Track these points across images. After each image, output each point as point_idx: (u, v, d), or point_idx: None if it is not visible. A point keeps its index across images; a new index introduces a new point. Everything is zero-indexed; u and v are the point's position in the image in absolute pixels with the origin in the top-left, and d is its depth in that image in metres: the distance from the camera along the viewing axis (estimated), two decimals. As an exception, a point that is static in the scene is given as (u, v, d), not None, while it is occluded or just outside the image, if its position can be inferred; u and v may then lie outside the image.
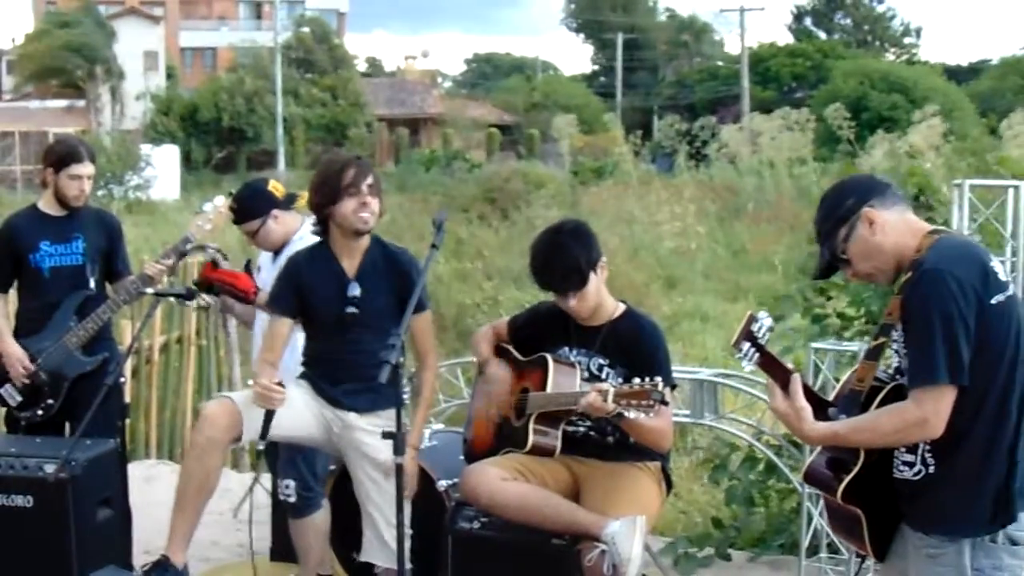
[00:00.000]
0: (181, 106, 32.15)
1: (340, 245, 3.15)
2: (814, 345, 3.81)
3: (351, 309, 3.10)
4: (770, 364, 2.26)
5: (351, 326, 3.11)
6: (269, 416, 3.00)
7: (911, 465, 2.22)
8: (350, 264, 3.15)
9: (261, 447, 3.11)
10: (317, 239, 3.23)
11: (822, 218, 2.30)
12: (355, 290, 3.11)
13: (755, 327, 2.25)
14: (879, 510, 2.26)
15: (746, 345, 2.25)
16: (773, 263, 14.14)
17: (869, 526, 2.26)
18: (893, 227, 2.24)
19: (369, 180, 3.09)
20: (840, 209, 2.26)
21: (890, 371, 2.29)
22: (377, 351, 2.87)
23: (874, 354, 2.27)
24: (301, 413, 3.14)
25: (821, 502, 3.78)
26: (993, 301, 2.14)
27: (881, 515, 2.27)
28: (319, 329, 3.20)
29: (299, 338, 3.31)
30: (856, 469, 2.23)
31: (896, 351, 2.25)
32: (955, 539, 2.18)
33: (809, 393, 2.28)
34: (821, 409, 2.26)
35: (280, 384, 2.99)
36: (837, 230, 2.25)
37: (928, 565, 2.21)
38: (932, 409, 2.12)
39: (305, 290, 3.16)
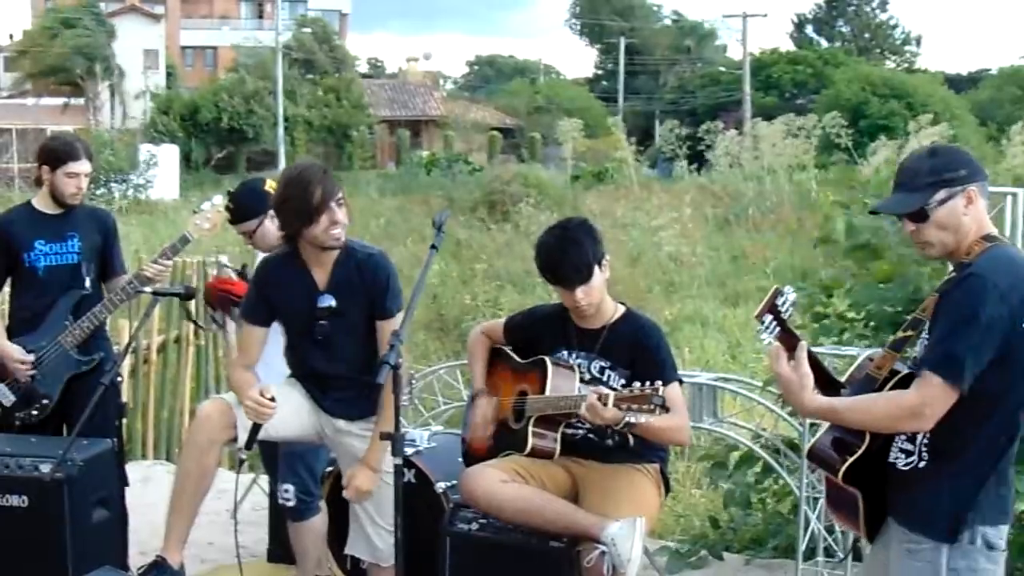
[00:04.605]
0: (181, 105, 32.15)
1: (311, 256, 3.05)
2: (814, 349, 3.80)
3: (322, 321, 3.03)
4: (786, 337, 2.26)
5: (325, 336, 3.05)
6: (256, 428, 2.98)
7: (908, 454, 2.24)
8: (321, 274, 3.05)
9: (243, 456, 3.09)
10: (285, 251, 3.14)
11: (928, 169, 2.23)
12: (325, 302, 3.02)
13: (779, 300, 2.24)
14: (876, 494, 2.27)
15: (769, 318, 2.23)
16: (773, 268, 14.17)
17: (866, 509, 2.28)
18: (977, 215, 2.23)
19: (338, 195, 2.95)
20: (951, 172, 2.22)
21: (908, 362, 2.29)
22: (358, 358, 2.85)
23: (899, 345, 2.27)
24: (295, 413, 3.13)
25: (819, 505, 3.78)
26: None
27: (878, 499, 2.28)
28: (294, 338, 3.15)
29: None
30: (860, 452, 2.24)
31: (923, 339, 2.25)
32: (931, 537, 2.19)
33: (820, 370, 2.28)
34: (832, 388, 2.26)
35: (272, 399, 2.95)
36: (937, 188, 2.21)
37: (906, 559, 2.23)
38: (929, 400, 2.12)
39: (275, 301, 3.09)
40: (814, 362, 2.26)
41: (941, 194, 2.21)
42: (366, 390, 2.97)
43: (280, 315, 3.12)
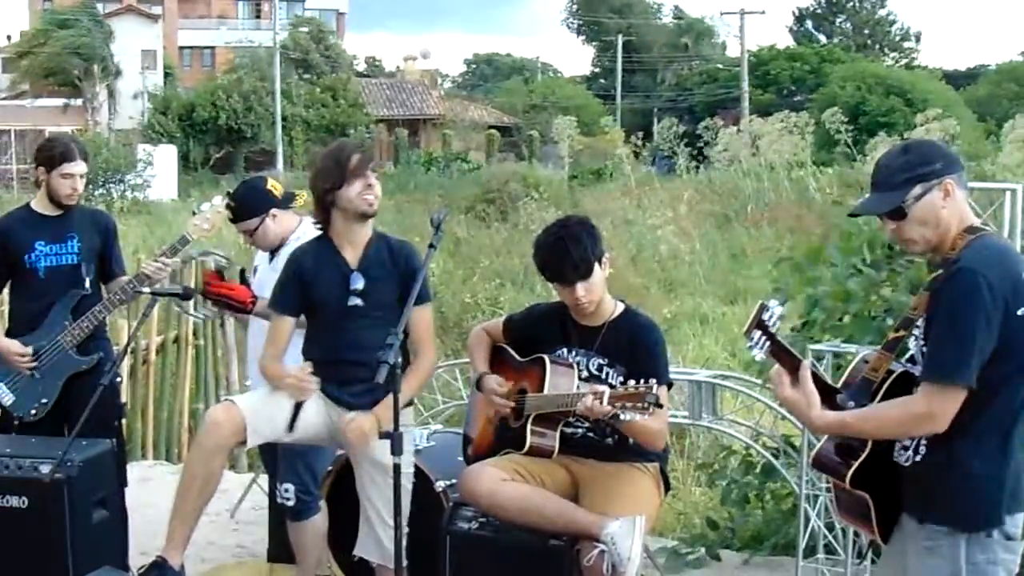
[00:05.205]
0: (179, 105, 32.14)
1: (342, 235, 3.11)
2: (812, 347, 3.81)
3: (355, 301, 3.08)
4: (780, 352, 2.27)
5: (355, 319, 3.08)
6: (298, 407, 3.03)
7: (906, 449, 2.24)
8: (353, 255, 3.12)
9: (288, 439, 3.12)
10: (315, 236, 3.22)
11: (901, 166, 2.23)
12: (358, 282, 3.09)
13: (766, 315, 2.26)
14: (886, 495, 2.27)
15: (757, 334, 2.25)
16: (772, 265, 14.12)
17: (877, 511, 2.27)
18: (957, 207, 2.22)
19: (372, 164, 3.12)
20: (925, 167, 2.21)
21: (903, 359, 2.29)
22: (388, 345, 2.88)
23: (892, 346, 2.28)
24: (308, 415, 3.13)
25: (818, 503, 3.78)
26: (1020, 312, 2.13)
27: (889, 500, 2.28)
28: (323, 323, 3.16)
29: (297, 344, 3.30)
30: (864, 456, 2.24)
31: (916, 336, 2.25)
32: (950, 532, 2.18)
33: (817, 381, 2.28)
34: (829, 396, 2.27)
35: (312, 373, 3.01)
36: (912, 185, 2.20)
37: (924, 557, 2.22)
38: (939, 406, 2.13)
39: (307, 284, 3.13)
40: (812, 375, 2.27)
41: (917, 189, 2.20)
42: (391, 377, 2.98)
43: (312, 299, 3.14)
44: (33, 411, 3.73)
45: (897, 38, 45.86)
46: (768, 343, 2.26)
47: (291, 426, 3.04)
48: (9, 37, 38.07)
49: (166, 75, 36.20)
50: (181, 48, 41.84)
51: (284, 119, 31.68)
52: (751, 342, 2.26)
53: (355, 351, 3.06)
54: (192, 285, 5.47)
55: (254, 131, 31.95)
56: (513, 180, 20.35)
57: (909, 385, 2.21)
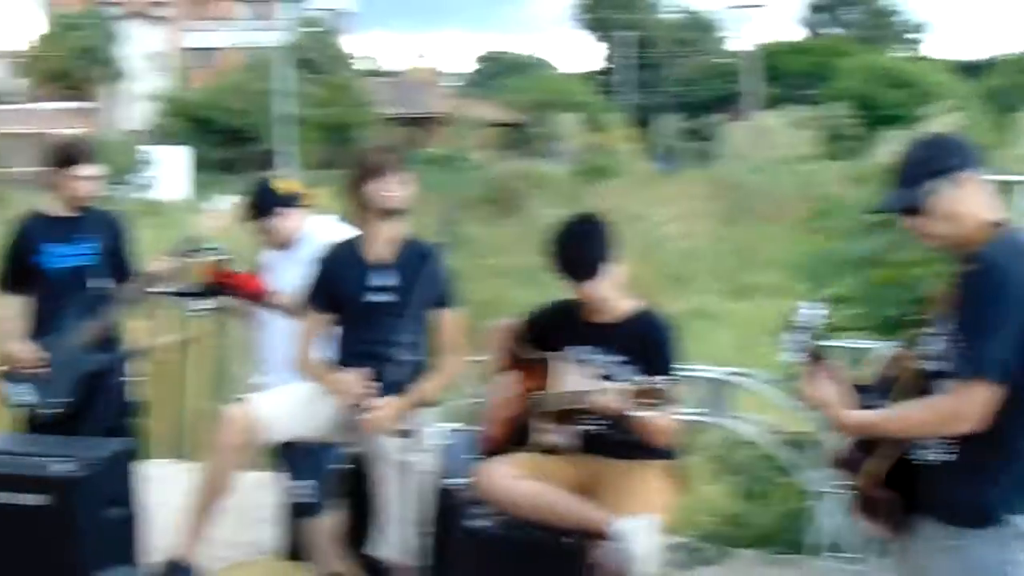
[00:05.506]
0: (187, 107, 32.25)
1: (371, 233, 3.22)
2: (827, 344, 3.79)
3: (379, 297, 3.15)
4: (810, 352, 2.29)
5: (381, 316, 3.13)
6: (359, 409, 3.07)
7: (924, 448, 2.23)
8: (379, 252, 3.21)
9: (303, 435, 3.15)
10: (329, 237, 3.31)
11: (917, 161, 2.21)
12: (380, 279, 3.16)
13: (798, 318, 2.28)
14: (905, 494, 2.26)
15: (790, 336, 2.27)
16: (780, 261, 14.12)
17: (895, 509, 2.27)
18: (976, 202, 2.20)
19: (395, 164, 3.21)
20: (941, 162, 2.19)
21: (926, 355, 2.26)
22: (408, 340, 2.91)
23: (915, 341, 2.27)
24: (324, 413, 3.16)
25: (831, 500, 3.77)
26: None
27: (907, 499, 2.26)
28: (348, 319, 3.23)
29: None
30: (884, 455, 2.23)
31: (938, 332, 2.23)
32: (969, 531, 2.18)
33: (845, 380, 2.29)
34: (856, 395, 2.28)
35: (368, 380, 3.05)
36: (928, 180, 2.18)
37: (941, 556, 2.21)
38: (968, 403, 2.10)
39: (332, 280, 3.22)
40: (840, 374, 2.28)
41: (933, 185, 2.18)
42: (407, 383, 3.03)
43: (336, 295, 3.21)
44: (50, 411, 3.75)
45: (904, 31, 45.73)
46: (801, 344, 2.27)
47: (349, 427, 3.08)
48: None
49: (173, 77, 36.31)
50: (188, 50, 41.92)
51: (290, 119, 31.74)
52: (783, 343, 2.27)
53: (380, 347, 3.08)
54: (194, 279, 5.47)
55: (260, 131, 32.02)
56: (518, 177, 20.36)
57: (928, 381, 2.20)
